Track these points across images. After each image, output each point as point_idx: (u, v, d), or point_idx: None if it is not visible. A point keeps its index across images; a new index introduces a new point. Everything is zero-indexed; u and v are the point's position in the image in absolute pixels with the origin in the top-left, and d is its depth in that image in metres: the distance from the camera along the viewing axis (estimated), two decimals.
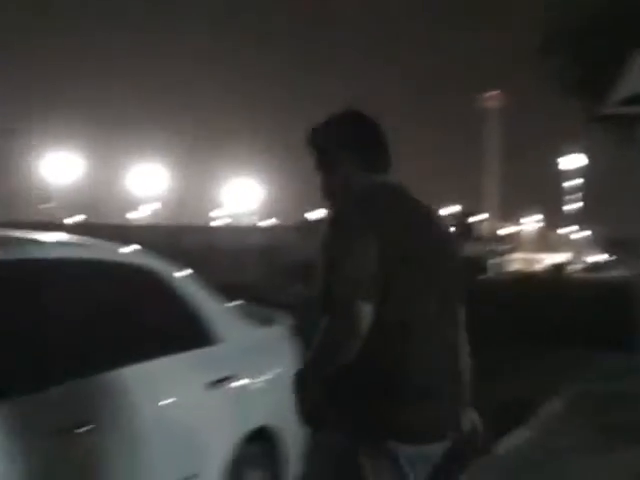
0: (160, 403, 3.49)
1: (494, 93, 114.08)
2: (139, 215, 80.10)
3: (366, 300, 2.49)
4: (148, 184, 76.69)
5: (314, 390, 2.59)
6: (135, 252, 4.02)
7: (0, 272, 3.15)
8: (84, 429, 3.08)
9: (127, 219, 74.97)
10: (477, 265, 34.66)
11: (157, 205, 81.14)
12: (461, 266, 2.87)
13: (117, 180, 78.91)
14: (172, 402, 3.55)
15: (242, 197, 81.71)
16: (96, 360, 3.30)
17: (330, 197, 2.81)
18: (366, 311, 2.49)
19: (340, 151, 2.78)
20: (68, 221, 56.78)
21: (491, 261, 39.20)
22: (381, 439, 2.52)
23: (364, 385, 2.54)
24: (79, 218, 63.45)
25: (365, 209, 2.63)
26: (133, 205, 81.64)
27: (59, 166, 69.05)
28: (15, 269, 3.22)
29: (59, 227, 32.50)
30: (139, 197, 79.90)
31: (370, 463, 2.52)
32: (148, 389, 3.42)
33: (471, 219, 69.67)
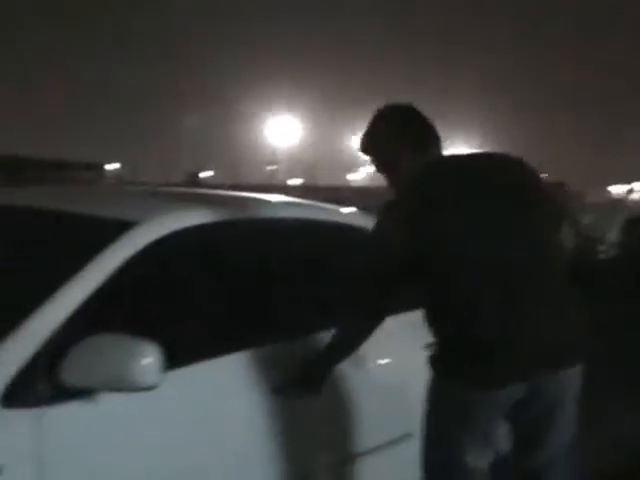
0: (381, 361, 3.56)
1: None
2: (358, 177, 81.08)
3: (385, 293, 2.96)
4: None
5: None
6: (353, 214, 4.09)
7: (240, 230, 3.33)
8: None
9: (347, 181, 76.14)
10: None
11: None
12: (551, 207, 3.05)
13: (336, 142, 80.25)
14: (393, 360, 3.60)
15: None
16: (320, 317, 3.41)
17: (387, 180, 3.12)
18: (384, 304, 3.01)
19: (390, 149, 3.07)
20: (291, 183, 58.44)
21: None
22: (469, 386, 2.90)
23: (460, 345, 2.92)
24: (300, 180, 65.16)
25: (405, 199, 2.97)
26: (353, 167, 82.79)
27: (282, 129, 71.07)
28: (252, 227, 3.40)
29: (282, 189, 33.44)
30: (358, 159, 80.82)
31: (472, 407, 2.92)
32: (371, 346, 3.47)
33: None
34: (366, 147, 3.16)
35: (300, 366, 3.11)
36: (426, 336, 3.74)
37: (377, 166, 3.15)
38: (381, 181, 3.23)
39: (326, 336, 3.34)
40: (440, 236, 2.86)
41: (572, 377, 3.04)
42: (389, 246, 2.93)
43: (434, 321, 3.01)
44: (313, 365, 3.11)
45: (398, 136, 3.05)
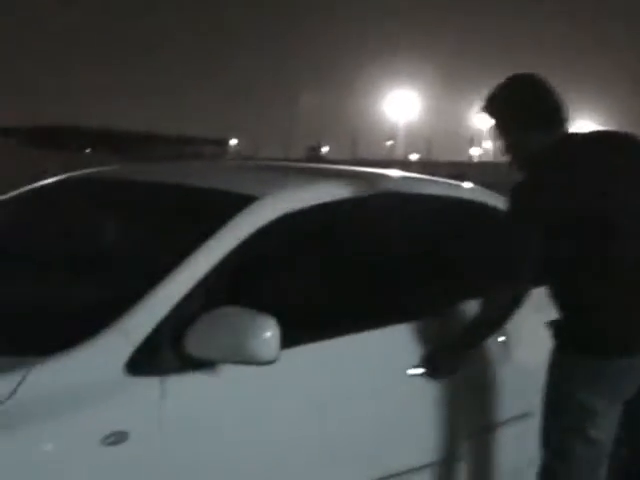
0: (504, 339, 3.50)
1: None
2: (480, 152, 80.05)
3: (526, 280, 3.01)
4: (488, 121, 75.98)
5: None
6: (474, 189, 4.04)
7: (360, 205, 3.33)
8: None
9: (469, 156, 75.24)
10: None
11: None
12: None
13: (455, 117, 79.33)
14: (518, 339, 3.54)
15: None
16: (451, 294, 3.40)
17: (514, 159, 3.13)
18: (525, 290, 3.00)
19: (513, 116, 3.07)
20: (411, 158, 58.21)
21: None
22: (599, 356, 2.96)
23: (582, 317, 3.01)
24: (417, 156, 64.85)
25: (539, 177, 3.01)
26: (475, 142, 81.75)
27: (401, 104, 70.70)
28: (373, 202, 3.39)
29: (402, 164, 33.34)
30: (480, 134, 79.73)
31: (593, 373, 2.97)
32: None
33: None
34: (492, 112, 3.14)
35: (438, 347, 3.14)
36: (548, 314, 3.71)
37: (500, 130, 3.13)
38: (498, 157, 3.22)
39: (458, 314, 3.33)
40: (574, 210, 2.94)
41: None
42: (531, 225, 2.96)
43: (563, 292, 3.06)
44: (456, 344, 3.15)
45: (527, 118, 3.05)
